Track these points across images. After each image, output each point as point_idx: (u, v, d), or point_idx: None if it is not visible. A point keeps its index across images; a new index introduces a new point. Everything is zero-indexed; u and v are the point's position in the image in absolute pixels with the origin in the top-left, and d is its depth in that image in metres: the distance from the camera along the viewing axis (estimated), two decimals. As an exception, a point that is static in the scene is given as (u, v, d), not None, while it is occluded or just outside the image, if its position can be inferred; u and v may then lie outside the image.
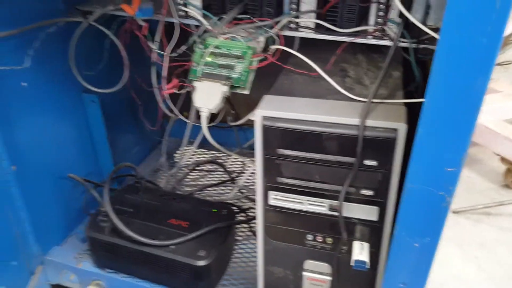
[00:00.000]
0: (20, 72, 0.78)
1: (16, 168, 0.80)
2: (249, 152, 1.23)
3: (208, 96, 0.72)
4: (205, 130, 0.73)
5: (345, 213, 0.64)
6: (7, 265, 0.83)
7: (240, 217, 1.03)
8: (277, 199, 0.67)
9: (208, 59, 0.74)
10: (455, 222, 1.40)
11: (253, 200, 1.11)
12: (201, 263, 0.81)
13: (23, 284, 0.87)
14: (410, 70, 0.70)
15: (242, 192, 1.14)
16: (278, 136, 0.62)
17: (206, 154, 1.31)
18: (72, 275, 0.90)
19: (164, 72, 0.82)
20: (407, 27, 0.66)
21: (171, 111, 1.15)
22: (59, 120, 0.92)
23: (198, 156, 1.30)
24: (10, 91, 0.78)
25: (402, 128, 0.56)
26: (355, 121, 0.58)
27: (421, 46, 0.67)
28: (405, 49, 0.69)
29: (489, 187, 1.56)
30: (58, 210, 0.95)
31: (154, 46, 0.84)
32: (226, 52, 0.73)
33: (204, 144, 1.29)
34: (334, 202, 0.64)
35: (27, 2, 0.79)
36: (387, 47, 0.68)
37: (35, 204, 0.86)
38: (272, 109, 0.61)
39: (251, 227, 1.02)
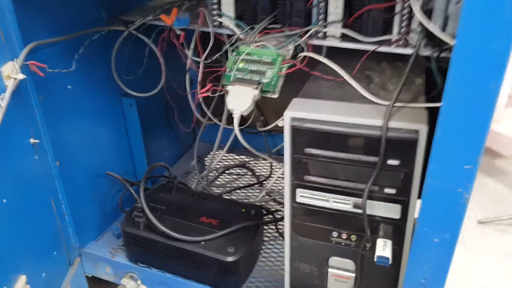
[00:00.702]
0: (67, 76, 0.85)
1: (60, 164, 0.86)
2: (277, 157, 1.27)
3: (240, 100, 0.76)
4: (236, 131, 0.78)
5: (369, 211, 0.67)
6: (49, 254, 0.89)
7: (267, 218, 1.07)
8: (304, 196, 0.71)
9: (240, 65, 0.78)
10: (481, 232, 1.41)
11: (280, 203, 1.15)
12: (230, 258, 0.85)
13: (62, 274, 0.93)
14: (433, 79, 0.73)
15: (269, 195, 1.18)
16: (305, 136, 0.66)
17: (235, 158, 1.36)
18: (108, 267, 0.96)
19: (199, 77, 0.87)
20: (429, 37, 0.69)
21: (203, 116, 1.20)
22: (99, 122, 0.98)
23: (228, 160, 1.35)
24: (58, 93, 0.85)
25: (423, 129, 0.59)
26: (379, 122, 0.61)
27: (442, 55, 0.71)
28: (428, 59, 0.72)
29: (516, 198, 1.55)
30: (95, 206, 1.01)
31: (190, 53, 0.90)
32: (257, 59, 0.78)
33: (234, 149, 1.35)
34: (358, 200, 0.67)
35: (74, 11, 0.86)
36: (410, 57, 0.71)
37: (75, 199, 0.92)
38: (300, 111, 0.66)
39: (278, 228, 1.05)
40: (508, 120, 1.73)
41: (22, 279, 0.80)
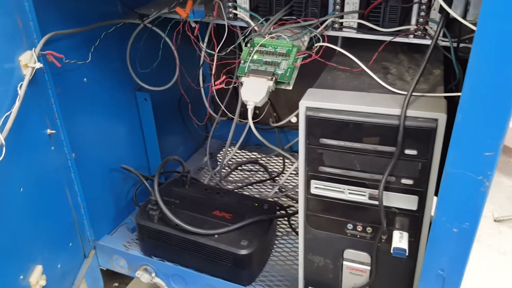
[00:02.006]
0: (83, 68, 0.85)
1: (76, 156, 0.87)
2: (290, 153, 1.27)
3: (254, 91, 0.76)
4: (250, 122, 0.77)
5: (385, 202, 0.66)
6: (65, 245, 0.89)
7: (280, 213, 1.06)
8: (319, 188, 0.70)
9: (255, 56, 0.78)
10: (497, 230, 1.39)
11: (293, 199, 1.14)
12: (243, 252, 0.85)
13: (77, 266, 0.94)
14: (452, 69, 0.72)
15: (282, 191, 1.18)
16: (321, 126, 0.65)
17: (247, 155, 1.35)
18: (122, 260, 0.96)
19: (213, 70, 0.87)
20: (448, 27, 0.68)
21: (216, 112, 1.21)
22: (114, 115, 0.99)
23: (240, 157, 1.35)
24: (74, 85, 0.85)
25: (442, 118, 0.58)
26: (397, 111, 0.60)
27: (462, 45, 0.70)
28: (447, 49, 0.71)
29: (533, 197, 1.53)
30: (110, 200, 1.02)
31: (204, 46, 0.90)
32: (272, 50, 0.78)
33: (246, 145, 1.35)
34: (374, 191, 0.67)
35: (91, 4, 0.87)
36: (429, 47, 0.70)
37: (90, 191, 0.93)
38: (316, 100, 0.65)
39: (291, 223, 1.05)
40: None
41: (38, 269, 0.80)
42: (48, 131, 0.79)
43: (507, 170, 1.65)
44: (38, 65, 0.71)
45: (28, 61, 0.70)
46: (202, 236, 0.88)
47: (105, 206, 1.00)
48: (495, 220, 1.40)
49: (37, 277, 0.79)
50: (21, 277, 0.77)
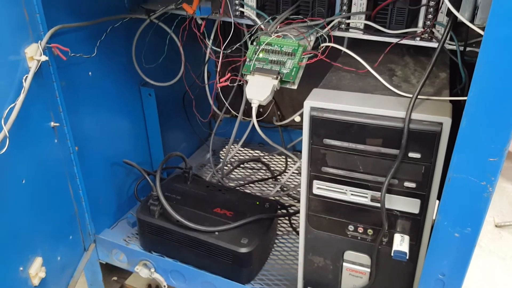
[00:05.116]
0: (88, 62, 0.85)
1: (78, 149, 0.87)
2: (293, 152, 1.27)
3: (259, 89, 0.76)
4: (254, 121, 0.77)
5: (387, 205, 0.66)
6: (65, 238, 0.89)
7: (281, 212, 1.06)
8: (321, 188, 0.70)
9: (261, 55, 0.78)
10: (498, 235, 1.38)
11: (294, 198, 1.14)
12: (244, 250, 0.85)
13: (77, 259, 0.94)
14: (457, 73, 0.72)
15: (283, 190, 1.18)
16: (325, 126, 0.65)
17: (250, 153, 1.35)
18: (122, 254, 0.96)
19: (219, 67, 0.87)
20: (454, 30, 0.68)
21: (219, 109, 1.21)
22: (118, 110, 0.99)
23: (242, 155, 1.34)
24: (79, 79, 0.85)
25: (447, 122, 0.58)
26: (401, 114, 0.60)
27: (468, 49, 0.69)
28: (453, 52, 0.71)
29: (535, 204, 1.52)
30: (112, 194, 1.02)
31: (210, 43, 0.90)
32: (278, 49, 0.78)
33: (249, 143, 1.35)
34: (377, 194, 0.66)
35: (97, -2, 0.86)
36: (435, 50, 0.70)
37: (92, 185, 0.93)
38: (320, 100, 0.65)
39: (292, 223, 1.05)
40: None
41: (38, 261, 0.80)
42: (52, 124, 0.79)
43: (511, 176, 1.64)
44: (44, 58, 0.71)
45: (34, 54, 0.70)
46: (202, 233, 0.88)
47: (107, 200, 1.00)
48: (496, 226, 1.40)
49: (36, 268, 0.79)
50: (21, 268, 0.77)
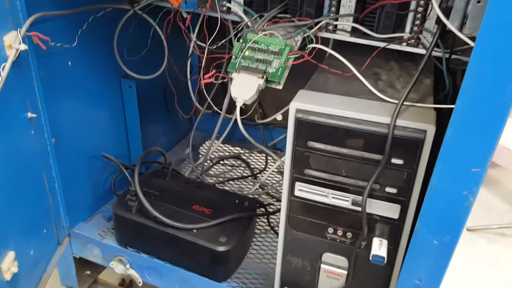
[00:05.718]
0: (68, 52, 0.83)
1: (55, 141, 0.84)
2: (273, 151, 1.26)
3: (244, 88, 0.75)
4: (238, 119, 0.77)
5: (368, 209, 0.66)
6: (39, 232, 0.87)
7: (260, 211, 1.06)
8: (303, 190, 0.70)
9: (247, 53, 0.77)
10: (469, 239, 1.41)
11: (273, 197, 1.14)
12: (221, 248, 0.84)
13: (50, 253, 0.91)
14: (441, 80, 0.73)
15: (263, 188, 1.17)
16: (309, 129, 0.65)
17: (230, 149, 1.34)
18: (96, 249, 0.94)
19: (203, 63, 0.86)
20: (441, 37, 0.68)
21: (201, 104, 1.19)
22: (97, 102, 0.97)
23: (222, 151, 1.33)
24: (58, 69, 0.83)
25: (431, 129, 0.59)
26: (386, 119, 0.60)
27: (454, 56, 0.70)
28: (438, 59, 0.72)
29: (506, 209, 1.56)
30: (88, 187, 0.99)
31: (194, 37, 0.88)
32: (264, 48, 0.77)
33: (229, 140, 1.34)
34: (358, 198, 0.67)
35: (80, -15, 0.84)
36: (420, 55, 0.70)
37: (68, 178, 0.90)
38: (306, 103, 0.65)
39: (270, 222, 1.05)
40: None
41: (11, 255, 0.78)
42: (29, 114, 0.77)
43: (485, 181, 1.68)
44: (23, 46, 0.68)
45: (13, 42, 0.68)
46: (180, 230, 0.87)
47: (83, 193, 0.98)
48: (468, 229, 1.43)
49: (8, 263, 0.77)
50: (-8, 262, 0.75)
